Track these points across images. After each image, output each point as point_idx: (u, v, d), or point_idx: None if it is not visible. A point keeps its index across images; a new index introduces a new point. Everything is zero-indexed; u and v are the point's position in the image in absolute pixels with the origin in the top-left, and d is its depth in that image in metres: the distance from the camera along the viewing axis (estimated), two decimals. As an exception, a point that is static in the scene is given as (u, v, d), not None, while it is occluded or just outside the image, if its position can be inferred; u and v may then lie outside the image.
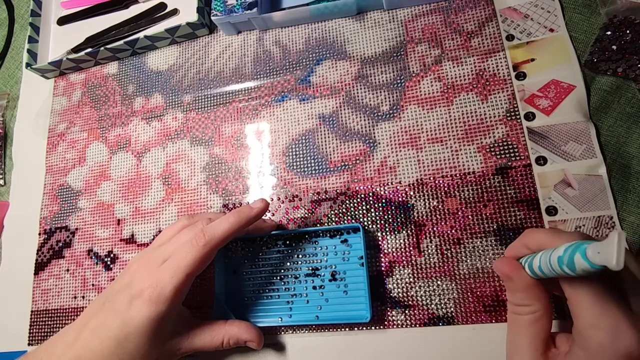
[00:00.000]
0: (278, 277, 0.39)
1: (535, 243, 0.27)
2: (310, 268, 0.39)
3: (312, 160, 0.42)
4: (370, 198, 0.40)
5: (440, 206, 0.38)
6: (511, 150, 0.38)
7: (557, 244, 0.24)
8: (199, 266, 0.32)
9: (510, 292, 0.28)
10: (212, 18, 0.45)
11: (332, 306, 0.37)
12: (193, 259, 0.31)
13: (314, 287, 0.38)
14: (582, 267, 0.20)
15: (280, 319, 0.38)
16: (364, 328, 0.37)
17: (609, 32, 0.38)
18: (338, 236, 0.39)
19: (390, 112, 0.42)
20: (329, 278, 0.38)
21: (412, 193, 0.39)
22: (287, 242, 0.40)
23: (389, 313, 0.37)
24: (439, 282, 0.36)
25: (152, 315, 0.31)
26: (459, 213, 0.37)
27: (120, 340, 0.31)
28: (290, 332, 0.38)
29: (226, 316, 0.38)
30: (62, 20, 0.56)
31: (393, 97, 0.42)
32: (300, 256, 0.39)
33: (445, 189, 0.38)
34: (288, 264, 0.39)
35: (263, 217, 0.41)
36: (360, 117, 0.42)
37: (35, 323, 0.46)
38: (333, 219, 0.40)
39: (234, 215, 0.34)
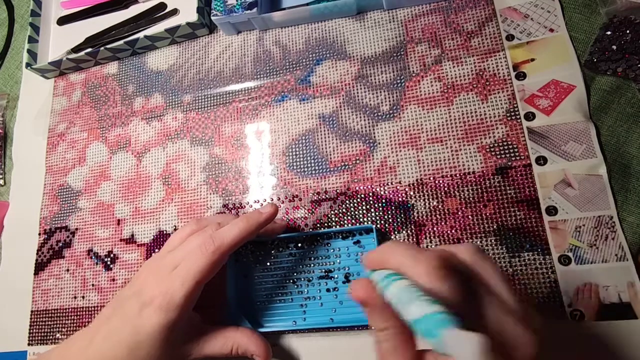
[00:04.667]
0: (291, 280, 0.39)
1: (395, 264, 0.23)
2: (323, 270, 0.38)
3: (312, 160, 0.42)
4: (370, 198, 0.40)
5: (440, 206, 0.38)
6: (511, 150, 0.38)
7: (415, 271, 0.22)
8: (209, 273, 0.32)
9: (369, 316, 0.24)
10: (212, 18, 0.45)
11: (347, 308, 0.37)
12: (203, 266, 0.31)
13: (328, 290, 0.38)
14: (435, 344, 0.18)
15: (294, 323, 0.38)
16: (366, 329, 0.37)
17: (609, 32, 0.38)
18: (350, 238, 0.39)
19: (390, 112, 0.42)
20: (343, 280, 0.38)
21: (412, 193, 0.39)
22: (299, 244, 0.40)
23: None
24: (439, 282, 0.36)
25: (162, 322, 0.31)
26: (459, 213, 0.37)
27: (131, 348, 0.31)
28: (300, 332, 0.38)
29: (240, 323, 0.38)
30: (62, 20, 0.56)
31: (393, 97, 0.42)
32: (312, 259, 0.39)
33: (445, 189, 0.38)
34: (300, 266, 0.39)
35: None
36: (360, 117, 0.42)
37: (35, 323, 0.45)
38: (333, 219, 0.40)
39: (243, 220, 0.34)
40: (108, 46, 0.49)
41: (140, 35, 0.48)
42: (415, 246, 0.23)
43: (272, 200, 0.42)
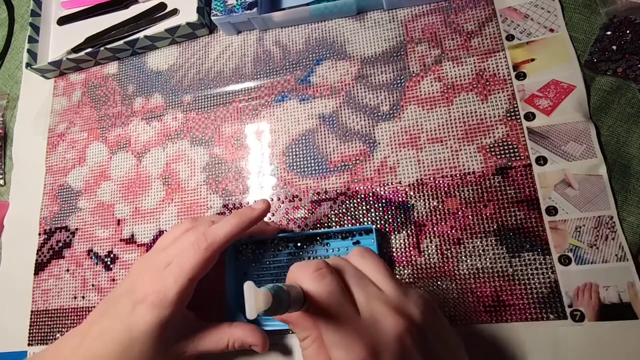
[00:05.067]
0: None
1: (294, 278, 0.27)
2: None
3: (312, 160, 0.42)
4: (370, 198, 0.40)
5: (440, 206, 0.38)
6: (511, 150, 0.38)
7: (304, 277, 0.26)
8: (202, 270, 0.32)
9: (293, 329, 0.28)
10: (212, 18, 0.46)
11: None
12: (196, 263, 0.31)
13: None
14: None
15: None
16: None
17: (609, 32, 0.38)
18: (350, 238, 0.39)
19: (390, 112, 0.42)
20: None
21: (412, 193, 0.39)
22: (298, 244, 0.40)
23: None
24: (439, 282, 0.36)
25: (155, 320, 0.31)
26: (459, 213, 0.37)
27: (125, 346, 0.31)
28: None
29: (239, 321, 0.37)
30: (62, 20, 0.56)
31: (393, 97, 0.42)
32: (311, 258, 0.39)
33: (445, 189, 0.38)
34: None
35: (266, 221, 0.41)
36: (360, 117, 0.42)
37: (35, 323, 0.46)
38: (333, 219, 0.40)
39: (235, 217, 0.34)
40: (108, 46, 0.49)
41: (140, 35, 0.48)
42: (311, 261, 0.28)
43: (272, 200, 0.42)
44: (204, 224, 0.35)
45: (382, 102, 0.42)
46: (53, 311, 0.45)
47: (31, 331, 0.45)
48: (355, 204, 0.40)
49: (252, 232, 0.38)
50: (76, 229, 0.47)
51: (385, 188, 0.40)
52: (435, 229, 0.38)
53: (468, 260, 0.36)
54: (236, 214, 0.34)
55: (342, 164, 0.41)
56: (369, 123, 0.42)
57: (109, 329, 0.31)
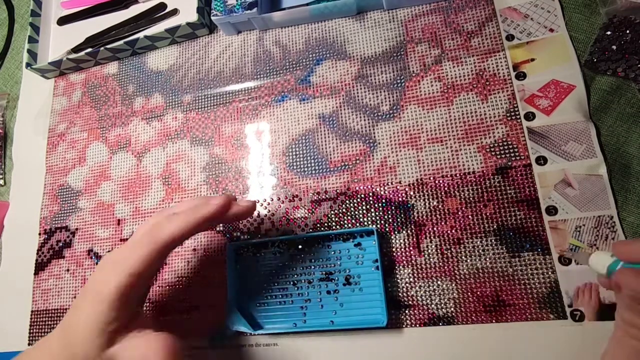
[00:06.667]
0: (291, 282, 0.39)
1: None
2: (324, 272, 0.38)
3: (312, 160, 0.42)
4: (370, 198, 0.40)
5: (440, 206, 0.38)
6: (511, 150, 0.38)
7: None
8: (145, 265, 0.30)
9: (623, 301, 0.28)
10: (212, 18, 0.46)
11: (347, 311, 0.37)
12: (137, 258, 0.30)
13: (328, 292, 0.38)
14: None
15: (294, 325, 0.38)
16: (365, 329, 0.37)
17: (609, 32, 0.38)
18: (351, 240, 0.39)
19: (390, 112, 0.42)
20: (343, 282, 0.38)
21: (412, 193, 0.39)
22: (299, 246, 0.40)
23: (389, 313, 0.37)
24: (439, 282, 0.36)
25: (90, 316, 0.29)
26: (459, 213, 0.37)
27: (65, 345, 0.30)
28: (300, 333, 0.38)
29: (239, 322, 0.38)
30: (62, 20, 0.56)
31: (393, 97, 0.42)
32: (313, 260, 0.39)
33: (445, 189, 0.38)
34: (301, 268, 0.39)
35: (237, 201, 0.36)
36: (360, 117, 0.42)
37: (35, 323, 0.46)
38: (333, 219, 0.40)
39: (187, 213, 0.32)
40: (108, 46, 0.49)
41: (140, 35, 0.48)
42: None
43: (272, 200, 0.42)
44: (161, 215, 0.33)
45: (382, 102, 0.42)
46: (53, 311, 0.45)
47: (31, 331, 0.45)
48: (355, 204, 0.40)
49: (227, 219, 0.35)
50: (76, 229, 0.47)
51: (385, 188, 0.40)
52: (435, 228, 0.38)
53: (468, 260, 0.36)
54: (190, 210, 0.32)
55: (342, 163, 0.41)
56: (369, 123, 0.42)
57: (63, 323, 0.32)
